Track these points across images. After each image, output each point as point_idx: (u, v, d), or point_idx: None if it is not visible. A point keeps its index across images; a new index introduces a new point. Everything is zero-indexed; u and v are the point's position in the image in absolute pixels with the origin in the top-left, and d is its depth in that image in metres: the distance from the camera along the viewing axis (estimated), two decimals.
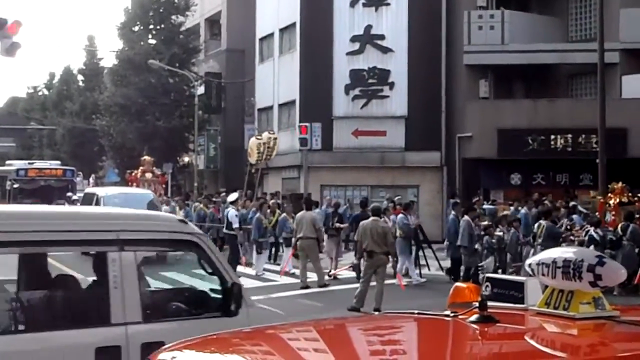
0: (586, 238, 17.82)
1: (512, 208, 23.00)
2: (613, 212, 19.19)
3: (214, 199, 28.12)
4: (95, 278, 5.95)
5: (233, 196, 23.77)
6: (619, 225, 17.92)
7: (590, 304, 2.81)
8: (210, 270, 5.88)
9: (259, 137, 28.95)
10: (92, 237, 5.44)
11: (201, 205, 28.20)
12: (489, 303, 2.88)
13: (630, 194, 19.69)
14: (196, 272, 22.38)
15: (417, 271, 19.43)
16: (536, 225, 18.14)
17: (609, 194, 19.79)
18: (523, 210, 21.63)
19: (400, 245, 18.23)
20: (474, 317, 2.76)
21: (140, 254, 5.61)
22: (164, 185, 35.70)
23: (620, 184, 19.69)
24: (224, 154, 42.64)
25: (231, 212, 22.10)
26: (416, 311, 3.16)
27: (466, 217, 18.34)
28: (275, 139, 28.73)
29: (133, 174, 35.08)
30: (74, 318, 5.50)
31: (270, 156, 28.66)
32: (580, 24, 30.38)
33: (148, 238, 5.67)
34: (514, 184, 28.49)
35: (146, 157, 35.58)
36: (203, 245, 5.84)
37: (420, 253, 20.11)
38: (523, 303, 3.01)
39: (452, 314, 2.90)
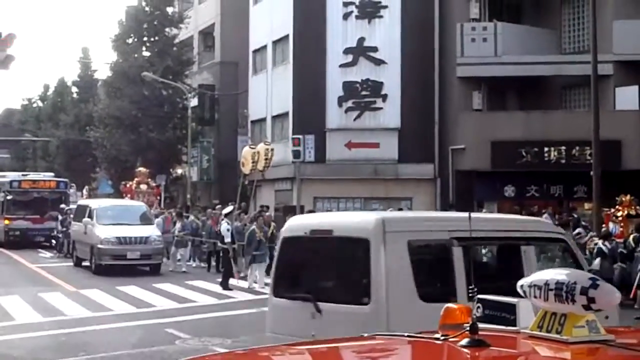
0: (594, 250, 17.69)
1: None
2: (621, 224, 19.16)
3: (213, 211, 27.78)
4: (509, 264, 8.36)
5: (228, 209, 23.70)
6: (630, 237, 17.83)
7: (584, 328, 2.75)
8: (571, 261, 8.46)
9: (252, 147, 28.58)
10: (514, 235, 8.21)
11: (192, 217, 27.97)
12: (480, 325, 2.81)
13: (638, 207, 19.74)
14: (189, 283, 22.14)
15: None
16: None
17: (617, 206, 19.84)
18: None
19: None
20: (464, 341, 2.70)
21: (537, 247, 8.42)
22: (158, 197, 35.74)
23: (628, 197, 19.73)
24: (218, 166, 42.58)
25: (223, 226, 22.03)
26: (406, 334, 3.10)
27: None
28: (271, 149, 28.31)
29: (128, 185, 35.03)
30: None
31: (267, 167, 28.21)
32: (573, 35, 30.43)
33: (539, 236, 8.44)
34: (507, 196, 28.46)
35: (141, 169, 35.59)
36: (568, 242, 8.84)
37: None
38: (515, 325, 2.95)
39: (442, 337, 2.83)
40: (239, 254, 22.38)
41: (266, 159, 27.77)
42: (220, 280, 21.06)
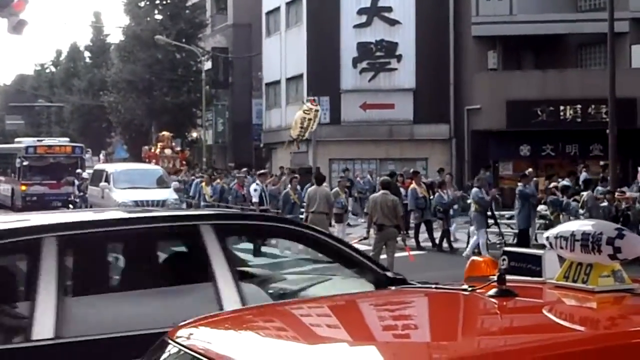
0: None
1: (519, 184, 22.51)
2: None
3: (238, 174, 26.47)
4: None
5: (262, 170, 23.48)
6: None
7: (609, 277, 2.80)
8: None
9: (307, 112, 26.37)
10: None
11: (219, 181, 26.64)
12: (508, 277, 2.87)
13: None
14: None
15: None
16: (584, 195, 17.79)
17: None
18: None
19: (477, 220, 17.69)
20: (492, 291, 2.75)
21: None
22: (184, 162, 34.99)
23: None
24: (232, 128, 42.66)
25: (252, 186, 21.42)
26: (433, 285, 3.16)
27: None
28: (317, 110, 26.48)
29: (152, 150, 34.63)
30: None
31: (312, 129, 26.46)
32: None
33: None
34: (523, 156, 28.42)
35: (165, 133, 35.17)
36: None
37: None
38: (541, 276, 3.01)
39: (470, 288, 2.89)
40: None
41: (310, 120, 26.19)
42: None
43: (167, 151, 34.18)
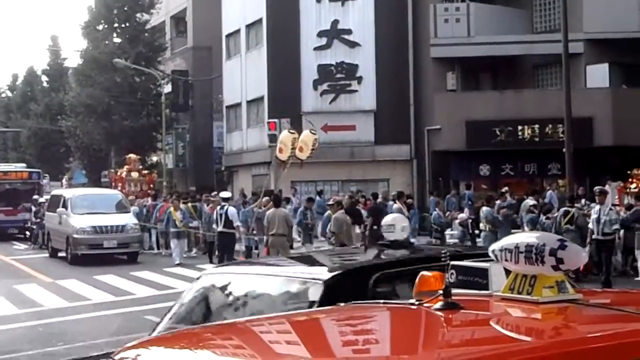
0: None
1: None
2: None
3: (212, 198, 25.39)
4: None
5: (226, 194, 23.26)
6: None
7: (553, 288, 2.82)
8: None
9: (292, 131, 24.47)
10: None
11: (184, 206, 25.50)
12: (455, 290, 2.87)
13: None
14: (167, 270, 22.12)
15: None
16: (561, 211, 18.01)
17: (630, 179, 20.19)
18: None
19: (490, 240, 17.28)
20: (438, 305, 2.76)
21: None
22: (151, 185, 34.06)
23: None
24: (193, 152, 42.50)
25: (231, 209, 21.31)
26: (382, 301, 3.16)
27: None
28: (316, 139, 24.03)
29: (118, 173, 33.86)
30: None
31: (310, 157, 23.90)
32: (544, 15, 30.64)
33: None
34: (482, 175, 28.70)
35: (131, 156, 34.29)
36: None
37: None
38: (487, 289, 3.02)
39: (417, 302, 2.89)
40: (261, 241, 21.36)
41: (312, 149, 24.85)
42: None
43: (134, 174, 33.45)
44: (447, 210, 24.40)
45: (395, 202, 21.38)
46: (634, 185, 20.23)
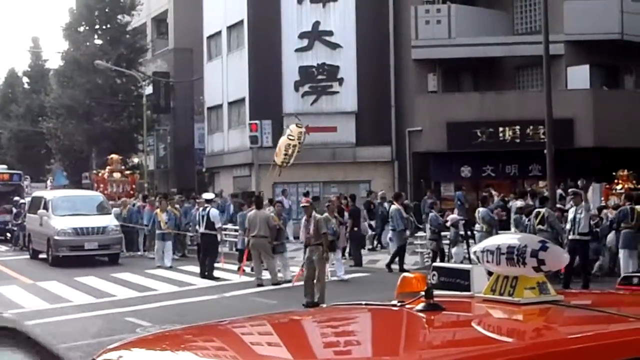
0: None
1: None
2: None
3: (199, 200, 25.28)
4: None
5: (209, 195, 23.05)
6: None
7: (534, 289, 2.83)
8: None
9: (291, 137, 24.56)
10: None
11: (170, 207, 24.82)
12: (437, 292, 2.88)
13: (634, 181, 20.27)
14: (148, 272, 22.03)
15: None
16: (534, 212, 18.12)
17: (615, 180, 20.33)
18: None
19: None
20: (420, 306, 2.76)
21: None
22: (134, 186, 33.51)
23: (626, 171, 20.19)
24: (174, 153, 42.36)
25: (213, 211, 21.12)
26: (364, 302, 3.15)
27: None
28: (305, 133, 24.89)
29: (100, 174, 33.28)
30: None
31: (298, 152, 24.68)
32: (525, 16, 30.78)
33: None
34: (464, 177, 28.76)
35: (114, 156, 33.60)
36: None
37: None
38: (469, 290, 3.03)
39: (399, 304, 2.90)
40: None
41: (286, 154, 24.33)
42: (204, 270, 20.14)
43: (116, 175, 32.94)
44: (422, 212, 24.53)
45: (393, 204, 21.37)
46: (619, 186, 20.38)
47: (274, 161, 24.59)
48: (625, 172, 20.60)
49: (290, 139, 24.41)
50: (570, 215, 17.08)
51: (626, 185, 20.21)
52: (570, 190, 18.62)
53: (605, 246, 18.26)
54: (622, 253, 17.27)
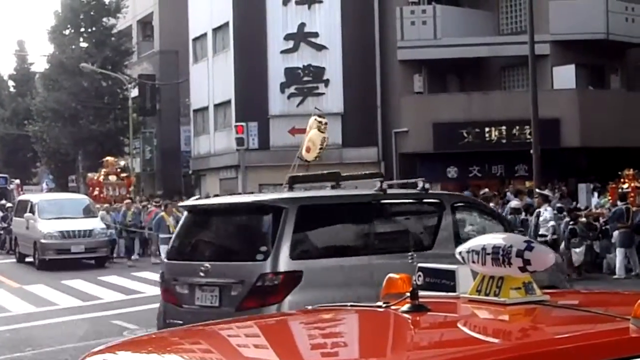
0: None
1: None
2: (632, 195, 19.54)
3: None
4: None
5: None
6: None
7: (520, 289, 2.82)
8: None
9: (321, 130, 23.80)
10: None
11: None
12: (422, 293, 2.87)
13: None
14: (135, 274, 21.82)
15: None
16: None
17: (621, 179, 20.37)
18: None
19: None
20: (405, 307, 2.75)
21: None
22: (130, 189, 33.01)
23: (631, 170, 20.23)
24: (160, 156, 42.25)
25: None
26: (349, 303, 3.14)
27: None
28: (325, 123, 24.15)
29: (95, 177, 32.73)
30: None
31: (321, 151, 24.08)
32: (510, 17, 30.86)
33: None
34: (450, 177, 28.79)
35: (109, 158, 33.22)
36: None
37: None
38: (455, 291, 3.02)
39: (384, 305, 2.89)
40: None
41: (321, 149, 23.41)
42: None
43: (112, 177, 32.37)
44: None
45: None
46: (626, 185, 20.41)
47: (300, 157, 23.79)
48: (632, 171, 20.54)
49: (322, 132, 23.81)
50: (534, 218, 17.33)
51: (633, 184, 20.20)
52: (536, 192, 18.73)
53: (614, 244, 18.33)
54: (618, 252, 17.48)
